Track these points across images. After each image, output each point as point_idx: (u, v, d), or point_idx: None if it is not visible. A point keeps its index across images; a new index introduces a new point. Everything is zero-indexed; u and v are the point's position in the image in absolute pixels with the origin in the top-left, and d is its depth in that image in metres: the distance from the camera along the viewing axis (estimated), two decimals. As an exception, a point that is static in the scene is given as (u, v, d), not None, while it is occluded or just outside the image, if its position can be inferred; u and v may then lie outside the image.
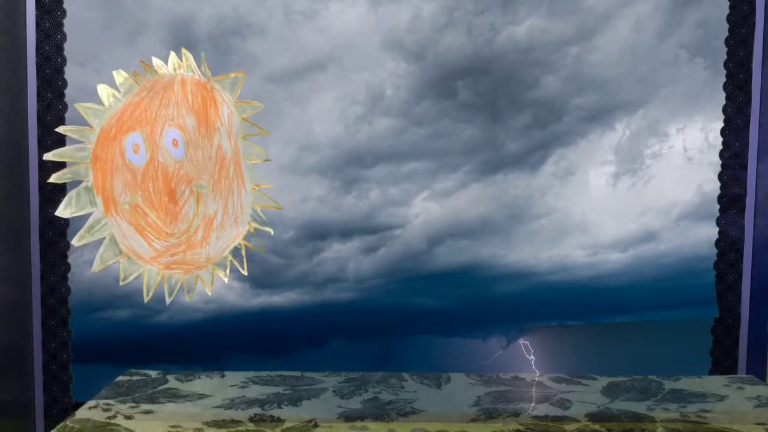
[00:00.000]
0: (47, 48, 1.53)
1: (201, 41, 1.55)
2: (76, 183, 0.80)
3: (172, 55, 0.79)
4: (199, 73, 0.79)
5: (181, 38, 1.55)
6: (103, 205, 0.78)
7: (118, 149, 0.78)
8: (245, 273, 0.79)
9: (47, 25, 1.53)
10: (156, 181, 0.77)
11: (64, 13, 1.53)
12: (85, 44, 1.55)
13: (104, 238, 0.78)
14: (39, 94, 1.54)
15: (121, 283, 0.80)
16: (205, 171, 0.77)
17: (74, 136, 0.78)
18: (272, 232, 0.80)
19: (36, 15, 1.52)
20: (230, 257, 0.79)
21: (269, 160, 0.78)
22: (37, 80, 1.53)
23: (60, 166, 1.57)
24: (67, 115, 1.54)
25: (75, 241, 0.79)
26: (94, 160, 0.78)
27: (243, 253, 0.80)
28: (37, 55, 1.53)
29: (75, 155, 0.78)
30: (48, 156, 0.78)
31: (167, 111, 0.78)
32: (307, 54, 1.57)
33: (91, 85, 1.61)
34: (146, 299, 0.80)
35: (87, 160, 0.78)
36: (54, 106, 1.54)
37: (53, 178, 0.78)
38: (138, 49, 1.55)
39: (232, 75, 0.79)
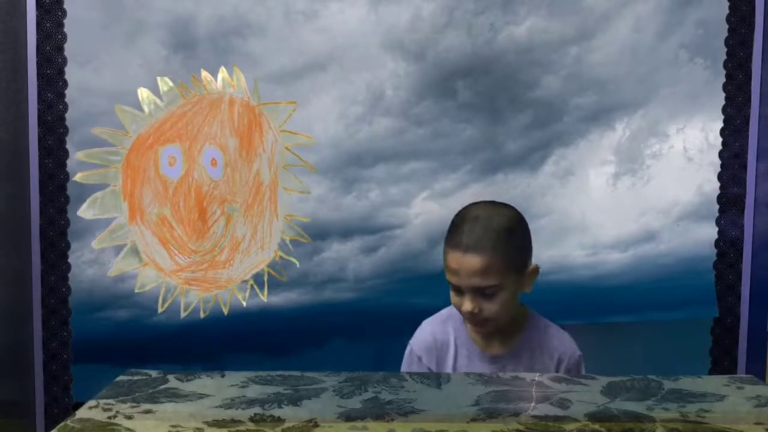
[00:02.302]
0: (48, 48, 1.53)
1: (201, 41, 1.55)
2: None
3: (223, 71, 0.79)
4: (249, 95, 0.78)
5: (181, 38, 1.55)
6: (128, 212, 0.78)
7: (152, 159, 0.77)
8: (265, 300, 0.80)
9: (48, 25, 1.53)
10: (188, 197, 0.77)
11: (64, 13, 1.53)
12: (85, 44, 1.55)
13: (125, 245, 0.78)
14: (39, 95, 1.54)
15: (136, 290, 0.80)
16: (239, 194, 0.77)
17: (108, 139, 0.77)
18: (298, 264, 0.80)
19: (36, 15, 1.52)
20: (251, 282, 0.80)
21: (309, 192, 0.79)
22: (38, 80, 1.53)
23: (61, 166, 1.57)
24: (67, 115, 1.54)
25: (95, 244, 0.79)
26: (126, 165, 0.77)
27: (265, 279, 0.80)
28: (37, 56, 1.53)
29: (106, 158, 0.77)
30: (79, 155, 0.77)
31: (210, 129, 0.77)
32: (307, 54, 1.57)
33: (91, 84, 1.62)
34: (160, 310, 0.80)
35: (118, 165, 0.77)
36: (54, 107, 1.54)
37: (78, 177, 0.77)
38: (138, 49, 1.55)
39: (283, 103, 0.79)
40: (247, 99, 0.79)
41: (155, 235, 0.78)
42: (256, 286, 0.79)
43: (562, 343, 1.19)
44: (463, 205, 1.23)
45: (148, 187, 0.78)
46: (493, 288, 1.11)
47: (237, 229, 0.77)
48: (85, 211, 0.78)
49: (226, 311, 0.79)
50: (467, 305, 1.12)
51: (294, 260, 0.79)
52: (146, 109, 0.78)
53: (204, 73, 0.79)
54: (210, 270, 0.79)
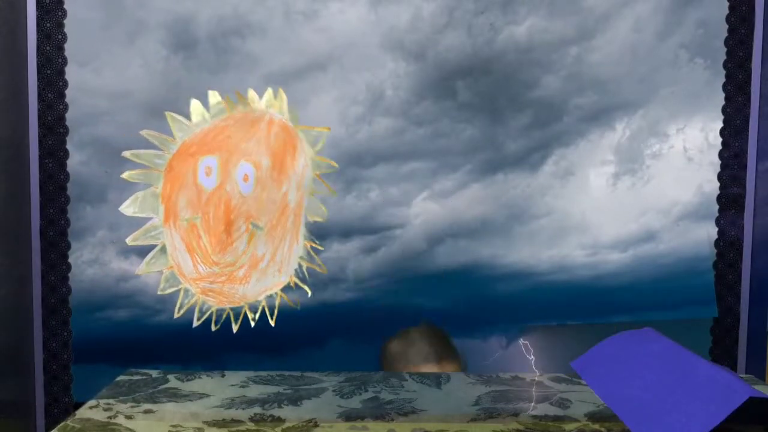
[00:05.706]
0: (48, 48, 1.54)
1: (201, 41, 1.55)
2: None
3: (269, 92, 0.79)
4: (288, 117, 0.79)
5: (181, 38, 1.55)
6: (164, 214, 0.79)
7: (192, 167, 0.78)
8: (273, 324, 0.80)
9: (48, 25, 1.53)
10: (218, 209, 0.78)
11: (64, 13, 1.53)
12: (85, 44, 1.55)
13: (156, 246, 0.79)
14: (39, 95, 1.54)
15: (158, 292, 0.80)
16: (265, 213, 0.78)
17: (154, 142, 0.78)
18: (310, 294, 0.81)
19: (37, 15, 1.53)
20: (264, 303, 0.80)
21: (326, 220, 0.79)
22: (38, 81, 1.54)
23: (61, 166, 1.58)
24: (67, 115, 1.54)
25: (129, 240, 0.79)
26: (168, 170, 0.78)
27: (277, 302, 0.81)
28: (38, 56, 1.53)
29: (152, 160, 0.78)
30: (126, 154, 0.78)
31: (248, 145, 0.78)
32: (307, 54, 1.57)
33: (91, 84, 1.62)
34: (176, 315, 0.81)
35: (161, 168, 0.78)
36: (55, 107, 1.54)
37: (125, 175, 0.78)
38: (138, 49, 1.55)
39: (318, 129, 0.79)
40: (285, 120, 0.79)
41: (183, 240, 0.79)
42: (266, 309, 0.80)
43: None
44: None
45: (184, 193, 0.79)
46: None
47: (258, 248, 0.78)
48: (126, 208, 0.79)
49: (235, 329, 0.80)
50: None
51: (307, 289, 0.80)
52: (194, 119, 0.78)
53: (251, 92, 0.80)
54: (227, 284, 0.79)
